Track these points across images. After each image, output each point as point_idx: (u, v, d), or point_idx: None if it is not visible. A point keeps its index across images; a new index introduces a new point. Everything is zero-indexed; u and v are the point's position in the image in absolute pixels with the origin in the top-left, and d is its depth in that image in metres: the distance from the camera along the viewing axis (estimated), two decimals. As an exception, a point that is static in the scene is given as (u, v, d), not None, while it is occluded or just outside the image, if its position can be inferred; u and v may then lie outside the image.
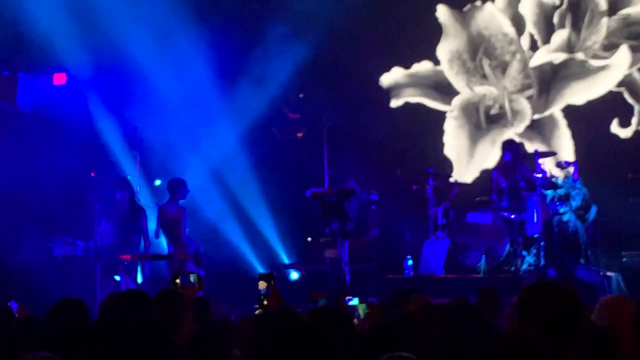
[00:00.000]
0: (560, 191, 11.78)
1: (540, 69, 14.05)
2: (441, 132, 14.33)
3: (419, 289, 6.68)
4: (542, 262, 11.54)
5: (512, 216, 12.04)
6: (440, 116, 14.41)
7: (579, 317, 3.44)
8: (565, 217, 11.61)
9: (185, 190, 11.46)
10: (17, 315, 6.77)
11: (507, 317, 4.76)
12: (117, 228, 11.20)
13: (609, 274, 11.15)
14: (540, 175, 11.86)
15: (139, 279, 10.96)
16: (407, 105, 14.55)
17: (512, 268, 11.78)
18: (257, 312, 6.08)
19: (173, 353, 3.14)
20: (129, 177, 12.08)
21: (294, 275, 13.16)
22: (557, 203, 11.62)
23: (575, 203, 11.66)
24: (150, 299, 5.23)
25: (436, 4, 14.37)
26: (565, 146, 13.77)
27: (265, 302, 5.88)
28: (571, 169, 12.02)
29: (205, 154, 13.52)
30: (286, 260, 13.38)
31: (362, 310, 6.26)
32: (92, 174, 12.55)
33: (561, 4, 13.92)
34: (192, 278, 6.51)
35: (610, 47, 13.69)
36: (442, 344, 4.26)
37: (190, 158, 13.46)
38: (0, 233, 11.70)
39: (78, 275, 11.07)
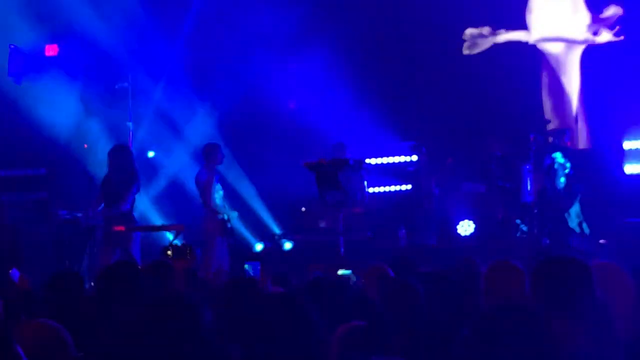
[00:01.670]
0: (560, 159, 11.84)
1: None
2: (440, 100, 14.23)
3: (412, 258, 6.71)
4: (536, 230, 11.60)
5: (507, 185, 12.09)
6: (442, 79, 14.25)
7: (591, 291, 3.50)
8: (560, 184, 11.65)
9: (219, 155, 11.30)
10: (17, 283, 6.82)
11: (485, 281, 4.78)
12: (111, 198, 11.14)
13: (602, 242, 11.20)
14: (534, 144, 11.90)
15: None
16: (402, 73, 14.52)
17: (506, 236, 11.84)
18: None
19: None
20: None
21: (288, 245, 13.20)
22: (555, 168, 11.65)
23: (567, 170, 11.71)
24: (138, 270, 5.26)
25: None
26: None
27: None
28: (563, 137, 12.07)
29: (198, 125, 13.51)
30: (278, 231, 13.42)
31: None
32: (85, 146, 12.54)
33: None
34: (184, 249, 6.56)
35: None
36: (426, 311, 4.33)
37: (184, 129, 13.46)
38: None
39: (74, 246, 11.08)
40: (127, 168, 10.52)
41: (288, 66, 13.82)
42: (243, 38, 13.41)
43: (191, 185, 13.09)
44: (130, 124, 12.58)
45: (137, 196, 10.66)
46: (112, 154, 10.54)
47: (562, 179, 11.69)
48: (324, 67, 13.60)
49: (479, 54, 14.16)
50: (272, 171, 13.48)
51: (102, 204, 10.52)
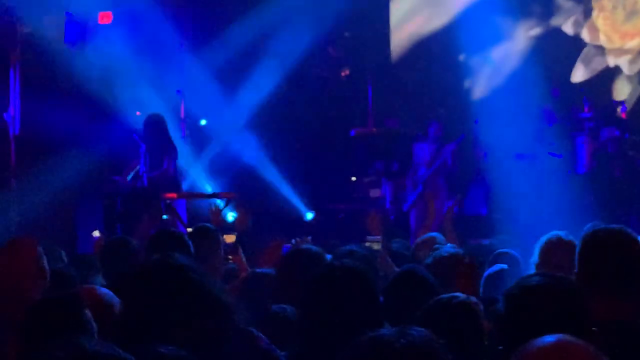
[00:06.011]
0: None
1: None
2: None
3: (463, 227, 6.71)
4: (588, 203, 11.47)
5: (559, 156, 11.97)
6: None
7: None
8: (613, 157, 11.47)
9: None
10: (95, 243, 6.97)
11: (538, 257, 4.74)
12: (151, 165, 11.24)
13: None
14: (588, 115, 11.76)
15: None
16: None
17: (558, 208, 11.73)
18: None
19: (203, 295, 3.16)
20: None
21: (309, 215, 13.13)
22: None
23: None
24: (185, 239, 5.30)
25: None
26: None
27: (229, 257, 5.93)
28: (619, 109, 11.89)
29: (248, 93, 13.53)
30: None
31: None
32: (138, 113, 12.60)
33: None
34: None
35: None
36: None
37: (235, 98, 13.48)
38: (47, 168, 11.82)
39: (123, 213, 11.18)
40: (162, 136, 10.72)
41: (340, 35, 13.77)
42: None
43: (242, 154, 13.15)
44: (181, 92, 12.63)
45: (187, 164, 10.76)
46: (146, 123, 10.76)
47: (616, 152, 11.51)
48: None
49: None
50: (323, 140, 13.49)
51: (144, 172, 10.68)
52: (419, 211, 11.29)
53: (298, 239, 7.15)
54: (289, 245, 6.53)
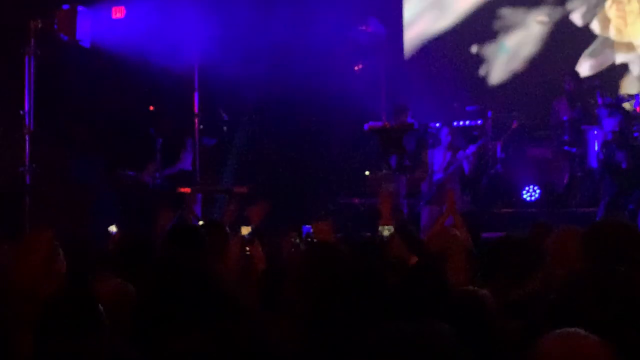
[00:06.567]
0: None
1: None
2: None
3: (474, 224, 6.69)
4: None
5: (573, 150, 11.93)
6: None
7: None
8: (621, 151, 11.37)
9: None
10: (112, 238, 7.02)
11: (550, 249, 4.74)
12: (168, 159, 11.27)
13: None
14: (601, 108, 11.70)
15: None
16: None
17: (572, 202, 11.71)
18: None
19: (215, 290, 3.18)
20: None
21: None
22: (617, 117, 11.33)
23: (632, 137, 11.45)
24: (202, 234, 5.32)
25: None
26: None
27: (247, 249, 5.93)
28: (632, 102, 11.83)
29: (260, 87, 13.53)
30: None
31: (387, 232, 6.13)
32: (151, 108, 12.63)
33: None
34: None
35: None
36: (492, 276, 4.31)
37: (249, 92, 13.48)
38: (61, 168, 11.88)
39: (138, 208, 11.22)
40: (178, 130, 10.77)
41: (354, 28, 13.73)
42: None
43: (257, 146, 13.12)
44: (196, 86, 12.64)
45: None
46: (162, 117, 10.81)
47: (626, 147, 11.43)
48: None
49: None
50: (336, 134, 13.48)
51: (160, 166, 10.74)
52: (431, 211, 11.33)
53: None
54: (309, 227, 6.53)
